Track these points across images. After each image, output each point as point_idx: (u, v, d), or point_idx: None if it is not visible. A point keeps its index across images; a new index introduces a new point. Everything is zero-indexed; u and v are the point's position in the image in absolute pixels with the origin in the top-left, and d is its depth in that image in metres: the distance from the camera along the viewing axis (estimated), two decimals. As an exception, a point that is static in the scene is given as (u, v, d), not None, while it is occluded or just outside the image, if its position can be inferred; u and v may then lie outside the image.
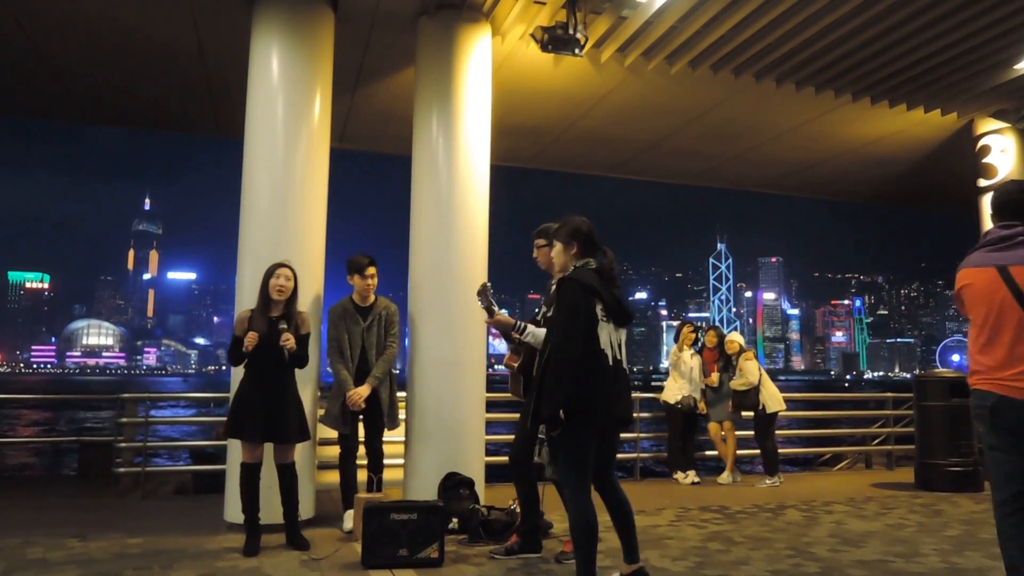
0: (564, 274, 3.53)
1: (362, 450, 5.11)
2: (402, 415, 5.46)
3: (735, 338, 7.51)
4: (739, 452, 7.55)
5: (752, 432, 7.47)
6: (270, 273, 4.43)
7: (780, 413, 7.32)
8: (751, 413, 7.22)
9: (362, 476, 5.10)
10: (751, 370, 7.16)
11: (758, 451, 7.53)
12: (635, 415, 7.57)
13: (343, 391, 4.93)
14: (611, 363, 3.36)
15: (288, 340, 4.29)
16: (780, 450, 7.49)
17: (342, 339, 5.05)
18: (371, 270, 5.05)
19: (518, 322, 4.25)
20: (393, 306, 5.19)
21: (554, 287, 3.99)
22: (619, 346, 3.43)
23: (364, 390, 4.92)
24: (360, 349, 5.03)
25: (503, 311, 4.29)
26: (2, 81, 7.13)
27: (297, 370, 4.53)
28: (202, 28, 6.05)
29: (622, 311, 3.44)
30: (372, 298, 5.13)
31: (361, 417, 5.06)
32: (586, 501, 3.30)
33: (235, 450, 4.93)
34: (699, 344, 7.69)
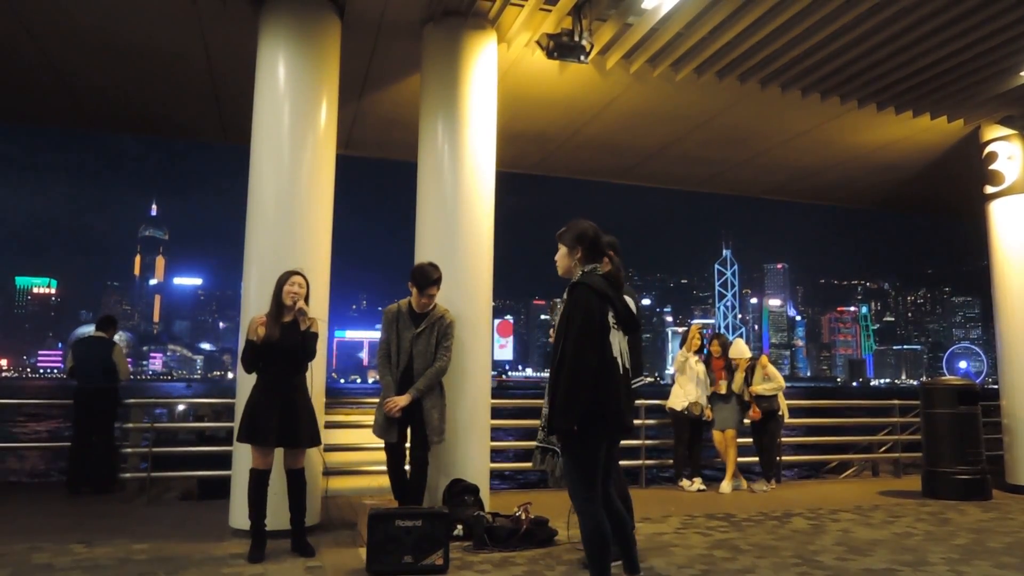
0: (571, 279, 3.46)
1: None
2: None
3: (742, 349, 7.49)
4: (742, 459, 7.52)
5: (751, 440, 7.53)
6: (284, 280, 4.47)
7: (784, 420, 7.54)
8: (756, 417, 7.28)
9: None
10: (777, 374, 7.43)
11: (757, 458, 7.56)
12: (635, 422, 7.58)
13: (384, 398, 4.88)
14: (622, 372, 3.33)
15: (304, 311, 4.42)
16: (786, 457, 7.52)
17: (391, 343, 4.97)
18: (433, 290, 4.95)
19: None
20: (450, 317, 5.04)
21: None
22: (628, 354, 3.39)
23: (402, 400, 4.81)
24: (408, 356, 4.92)
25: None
26: (13, 89, 7.18)
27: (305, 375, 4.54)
28: (209, 36, 6.08)
29: (631, 318, 3.41)
30: (431, 305, 5.03)
31: (410, 426, 4.94)
32: (596, 510, 3.25)
33: (241, 456, 4.94)
34: (704, 350, 7.65)
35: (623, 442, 3.93)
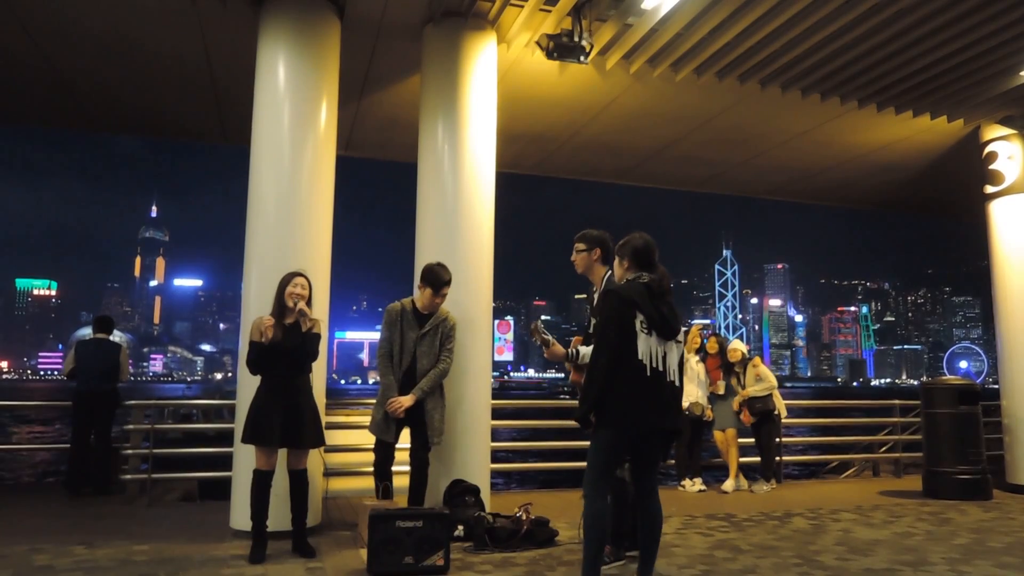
0: (610, 287, 3.74)
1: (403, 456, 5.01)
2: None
3: (738, 346, 7.53)
4: (743, 460, 7.52)
5: (753, 439, 7.52)
6: (286, 281, 4.47)
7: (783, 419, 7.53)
8: (752, 419, 7.28)
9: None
10: (769, 374, 7.38)
11: (759, 458, 7.55)
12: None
13: (386, 397, 4.87)
14: (649, 373, 3.45)
15: (306, 312, 4.41)
16: (786, 457, 7.50)
17: (394, 342, 4.97)
18: (447, 290, 4.98)
19: (569, 351, 4.37)
20: (453, 320, 5.08)
21: (596, 298, 4.34)
22: (662, 358, 3.51)
23: (406, 400, 4.81)
24: (412, 356, 4.93)
25: (540, 325, 4.38)
26: (12, 90, 7.18)
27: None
28: (209, 37, 6.08)
29: (666, 324, 3.54)
30: (439, 306, 5.04)
31: (409, 427, 4.95)
32: (600, 500, 3.47)
33: (242, 457, 4.94)
34: (703, 351, 7.66)
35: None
